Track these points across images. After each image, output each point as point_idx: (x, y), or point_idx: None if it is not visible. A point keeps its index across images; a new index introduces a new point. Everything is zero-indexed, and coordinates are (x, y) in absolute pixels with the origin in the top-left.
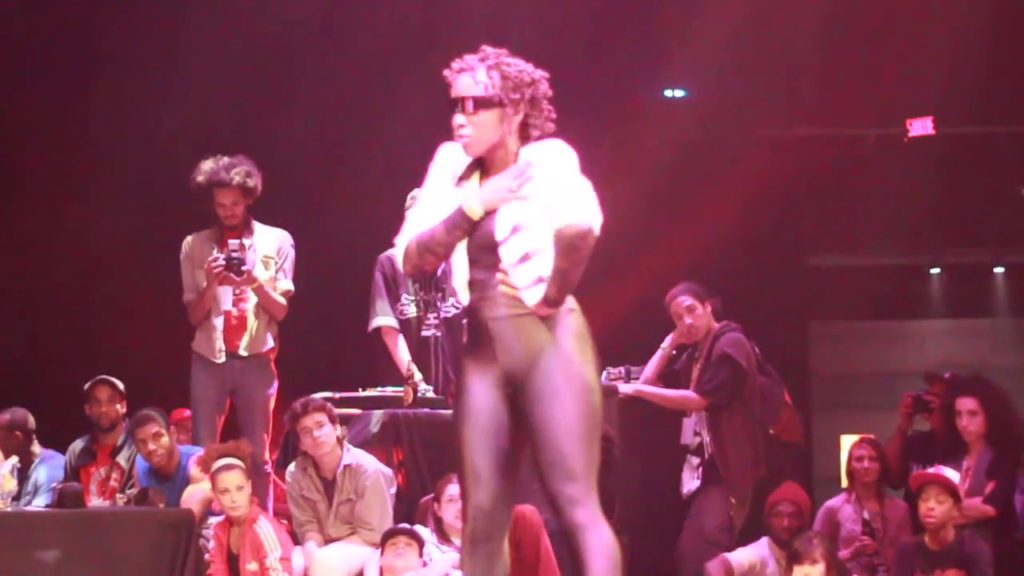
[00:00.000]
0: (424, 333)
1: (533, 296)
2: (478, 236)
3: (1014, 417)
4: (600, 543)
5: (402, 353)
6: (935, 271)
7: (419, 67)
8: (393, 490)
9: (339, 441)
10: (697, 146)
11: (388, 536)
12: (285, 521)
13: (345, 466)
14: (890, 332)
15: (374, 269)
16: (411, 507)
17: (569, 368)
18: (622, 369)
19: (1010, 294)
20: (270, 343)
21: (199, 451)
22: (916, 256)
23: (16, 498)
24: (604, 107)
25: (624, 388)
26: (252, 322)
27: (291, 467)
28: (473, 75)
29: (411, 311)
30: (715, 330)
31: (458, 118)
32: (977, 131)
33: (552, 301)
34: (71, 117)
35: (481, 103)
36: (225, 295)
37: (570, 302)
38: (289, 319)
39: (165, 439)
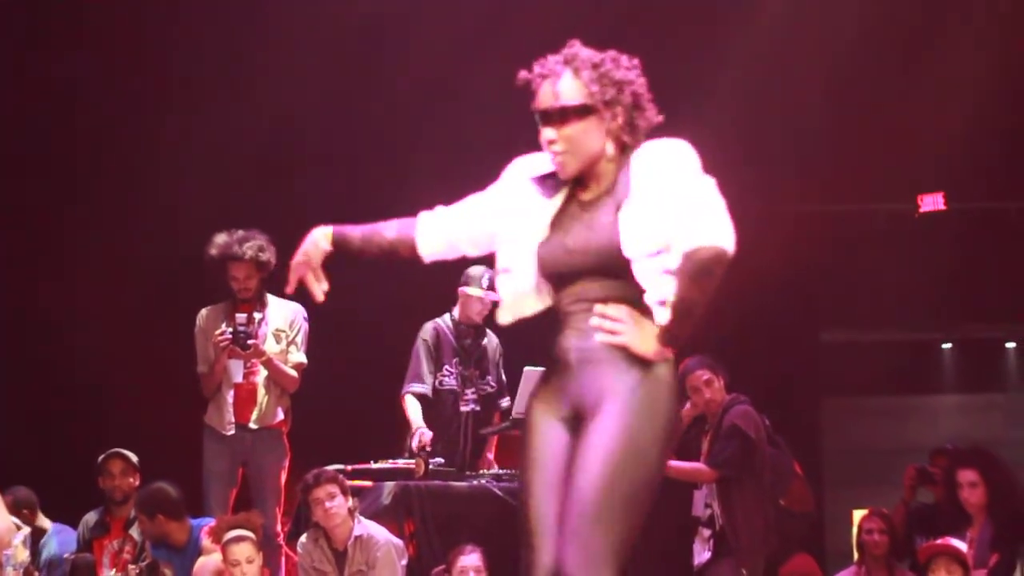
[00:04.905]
0: (463, 408)
1: (626, 348)
2: (569, 249)
3: (1016, 489)
4: None
5: (416, 419)
6: (947, 346)
7: (435, 133)
8: (404, 562)
9: (351, 512)
10: None
11: None
12: None
13: (356, 537)
14: (902, 407)
15: (418, 336)
16: None
17: (626, 422)
18: None
19: (1022, 369)
20: (281, 416)
21: (211, 522)
22: (928, 331)
23: (28, 573)
24: None
25: None
26: (262, 395)
27: (303, 538)
28: (560, 80)
29: (449, 383)
30: (725, 402)
31: (547, 132)
32: (988, 206)
33: (672, 338)
34: (85, 184)
35: (573, 112)
36: (236, 368)
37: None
38: (303, 391)
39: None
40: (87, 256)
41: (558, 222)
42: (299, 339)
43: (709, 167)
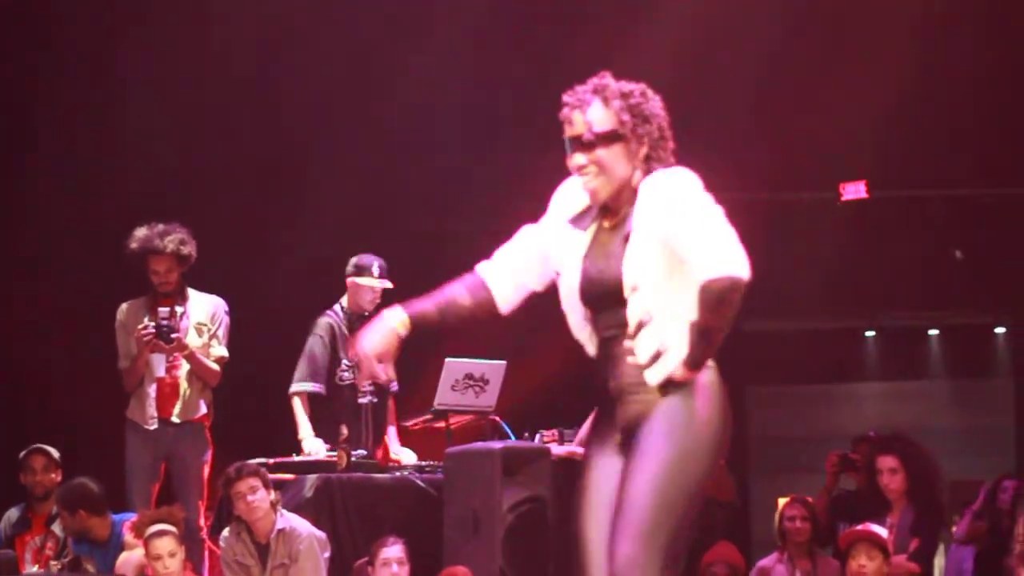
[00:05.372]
0: (360, 400)
1: (655, 375)
2: (591, 278)
3: (935, 475)
4: None
5: (305, 426)
6: (870, 334)
7: (352, 127)
8: (327, 554)
9: (273, 506)
10: None
11: None
12: None
13: (279, 531)
14: (826, 395)
15: (312, 331)
16: (345, 571)
17: (673, 428)
18: (555, 431)
19: (945, 356)
20: (203, 409)
21: (133, 517)
22: (851, 320)
23: None
24: (541, 174)
25: (557, 450)
26: (185, 389)
27: (225, 532)
28: (590, 108)
29: (348, 376)
30: None
31: (577, 158)
32: (910, 194)
33: (695, 364)
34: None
35: (604, 139)
36: (158, 362)
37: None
38: (224, 385)
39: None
40: (3, 251)
41: (589, 251)
42: (220, 332)
43: None
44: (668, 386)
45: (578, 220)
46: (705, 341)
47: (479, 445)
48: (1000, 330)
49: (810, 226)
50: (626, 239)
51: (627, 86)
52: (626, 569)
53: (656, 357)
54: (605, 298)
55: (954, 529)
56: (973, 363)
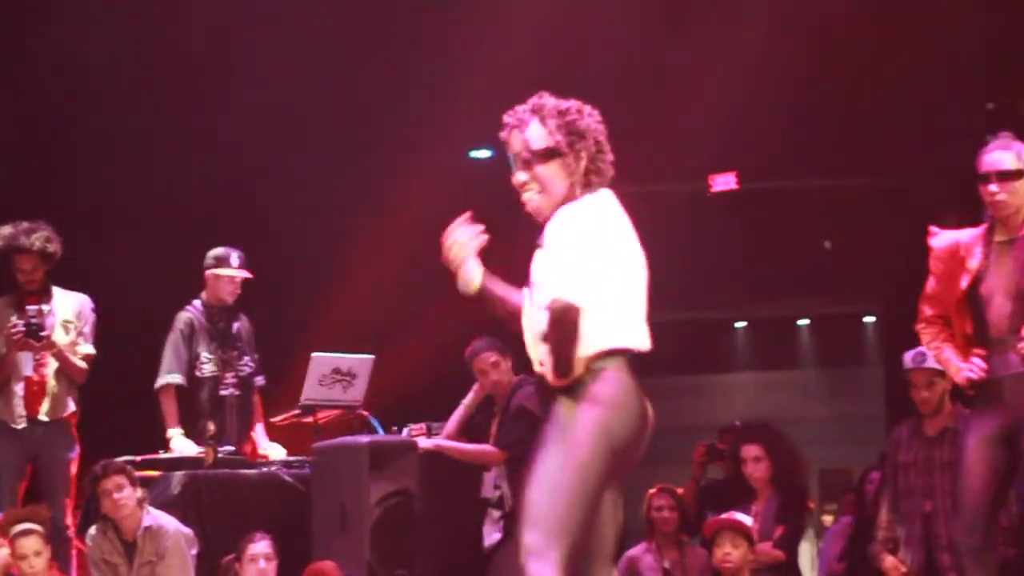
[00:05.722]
0: (222, 392)
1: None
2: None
3: (798, 463)
4: None
5: (172, 423)
6: (740, 325)
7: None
8: (195, 551)
9: (140, 503)
10: (503, 205)
11: None
12: None
13: (146, 528)
14: (698, 386)
15: (172, 324)
16: (213, 567)
17: (564, 425)
18: (423, 425)
19: (816, 345)
20: (71, 407)
21: None
22: (722, 311)
23: None
24: (411, 168)
25: (424, 443)
26: (52, 387)
27: (92, 530)
28: (528, 127)
29: (208, 369)
30: (513, 384)
31: (519, 175)
32: (780, 185)
33: (554, 376)
34: None
35: (541, 156)
36: (25, 361)
37: (609, 362)
38: (90, 382)
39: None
40: None
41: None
42: (87, 330)
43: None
44: (564, 390)
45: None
46: (554, 356)
47: (346, 439)
48: (869, 319)
49: (680, 217)
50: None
51: (563, 104)
52: (527, 556)
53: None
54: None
55: (827, 519)
56: (843, 352)
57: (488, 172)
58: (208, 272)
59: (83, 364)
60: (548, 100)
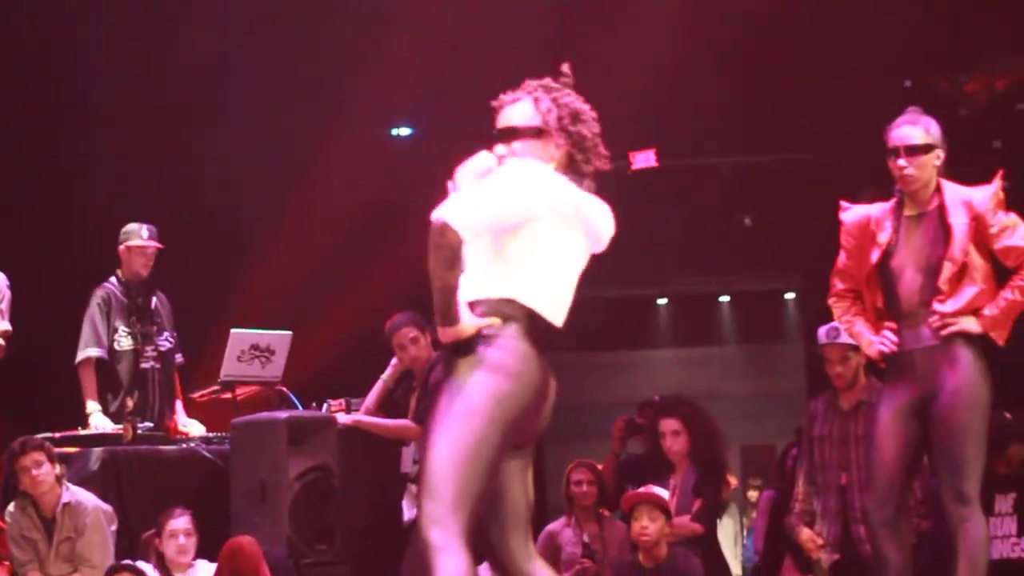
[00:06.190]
0: (143, 365)
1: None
2: None
3: (716, 437)
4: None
5: (92, 399)
6: (662, 301)
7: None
8: (114, 527)
9: (58, 479)
10: (423, 182)
11: (110, 573)
12: (7, 563)
13: (65, 504)
14: (620, 362)
15: (90, 299)
16: (133, 543)
17: (459, 391)
18: (342, 401)
19: (736, 322)
20: None
21: None
22: (643, 287)
23: None
24: (332, 145)
25: (343, 419)
26: None
27: (10, 507)
28: (518, 105)
29: (126, 343)
30: (432, 359)
31: (498, 148)
32: (700, 162)
33: (441, 319)
34: None
35: (524, 132)
36: None
37: (507, 328)
38: (7, 359)
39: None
40: None
41: None
42: (3, 307)
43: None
44: (459, 351)
45: None
46: (433, 290)
47: (265, 415)
48: (790, 295)
49: (600, 195)
50: None
51: (559, 92)
52: (427, 524)
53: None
54: None
55: (752, 494)
56: (764, 328)
57: (408, 150)
58: (121, 247)
59: (1, 341)
60: (551, 83)
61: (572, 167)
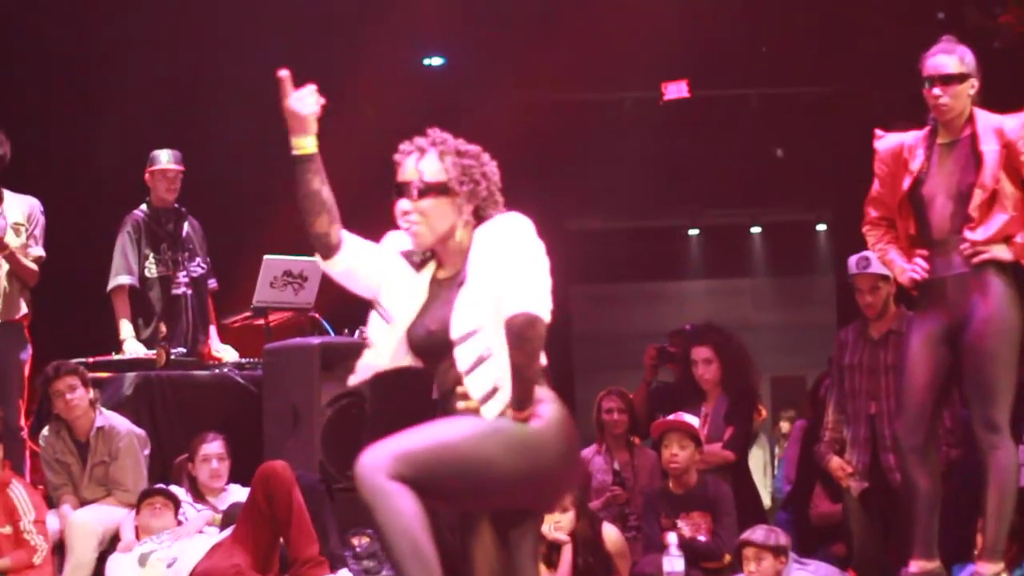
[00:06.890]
0: (175, 292)
1: (491, 410)
2: (429, 329)
3: (748, 365)
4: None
5: (126, 326)
6: (693, 232)
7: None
8: (147, 451)
9: (92, 404)
10: (455, 112)
11: (143, 497)
12: (42, 487)
13: (98, 428)
14: (651, 293)
15: (120, 227)
16: (166, 467)
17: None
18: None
19: (767, 253)
20: (24, 309)
21: None
22: (674, 218)
23: None
24: (366, 76)
25: None
26: (4, 288)
27: (45, 431)
28: (424, 159)
29: (154, 271)
30: None
31: (403, 203)
32: (731, 93)
33: (519, 404)
34: None
35: (432, 189)
36: None
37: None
38: (41, 284)
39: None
40: None
41: (426, 305)
42: (38, 232)
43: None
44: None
45: (409, 270)
46: (518, 380)
47: (298, 340)
48: (821, 227)
49: (633, 126)
50: (460, 286)
51: (464, 146)
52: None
53: (492, 393)
54: (439, 350)
55: (784, 425)
56: (795, 260)
57: (439, 79)
58: (146, 173)
59: (34, 266)
60: (450, 138)
61: (478, 218)
